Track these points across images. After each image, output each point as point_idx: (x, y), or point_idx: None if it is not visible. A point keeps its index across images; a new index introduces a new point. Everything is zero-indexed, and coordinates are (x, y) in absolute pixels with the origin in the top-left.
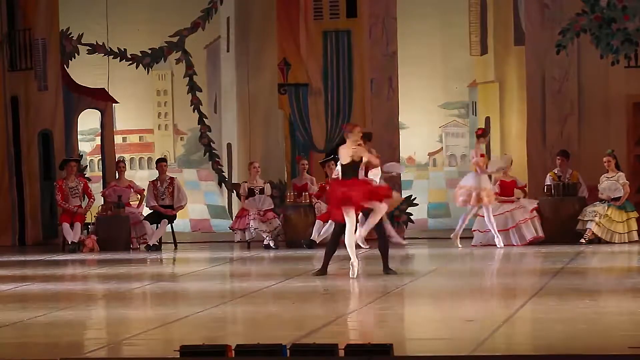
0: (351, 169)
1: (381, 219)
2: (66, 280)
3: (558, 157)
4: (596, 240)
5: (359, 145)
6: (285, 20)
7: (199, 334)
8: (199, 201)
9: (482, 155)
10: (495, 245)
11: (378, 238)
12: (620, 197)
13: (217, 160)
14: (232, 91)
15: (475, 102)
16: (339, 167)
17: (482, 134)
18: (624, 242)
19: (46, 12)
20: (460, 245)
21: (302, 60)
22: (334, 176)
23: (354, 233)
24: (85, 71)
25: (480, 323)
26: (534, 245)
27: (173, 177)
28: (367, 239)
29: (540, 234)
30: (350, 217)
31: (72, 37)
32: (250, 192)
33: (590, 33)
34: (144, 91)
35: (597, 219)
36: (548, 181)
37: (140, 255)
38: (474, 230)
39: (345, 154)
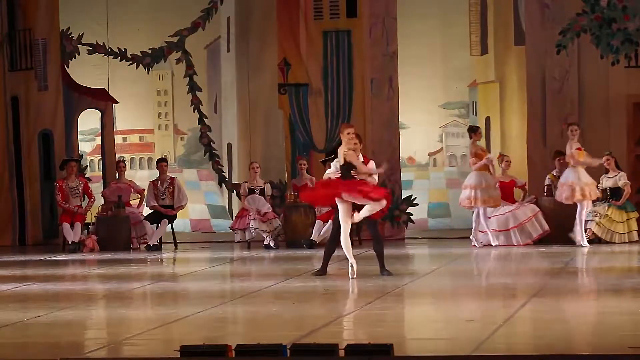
0: (347, 169)
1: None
2: (66, 280)
3: (558, 159)
4: (596, 240)
5: (355, 144)
6: (285, 20)
7: (199, 334)
8: (199, 201)
9: (579, 149)
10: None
11: (373, 239)
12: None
13: (217, 160)
14: (232, 91)
15: (476, 102)
16: (331, 169)
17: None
18: (624, 242)
19: (46, 12)
20: (586, 245)
21: (302, 60)
22: (325, 176)
23: (348, 233)
24: (86, 71)
25: (480, 323)
26: (534, 245)
27: (173, 177)
28: (364, 239)
29: (546, 227)
30: (345, 218)
31: (73, 37)
32: (251, 193)
33: (590, 33)
34: (144, 91)
35: (597, 219)
36: (547, 182)
37: (140, 255)
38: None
39: (340, 155)
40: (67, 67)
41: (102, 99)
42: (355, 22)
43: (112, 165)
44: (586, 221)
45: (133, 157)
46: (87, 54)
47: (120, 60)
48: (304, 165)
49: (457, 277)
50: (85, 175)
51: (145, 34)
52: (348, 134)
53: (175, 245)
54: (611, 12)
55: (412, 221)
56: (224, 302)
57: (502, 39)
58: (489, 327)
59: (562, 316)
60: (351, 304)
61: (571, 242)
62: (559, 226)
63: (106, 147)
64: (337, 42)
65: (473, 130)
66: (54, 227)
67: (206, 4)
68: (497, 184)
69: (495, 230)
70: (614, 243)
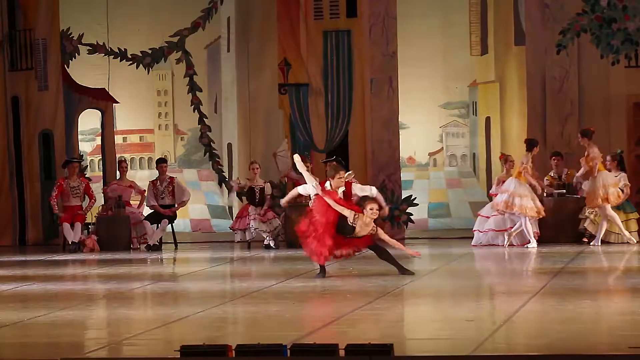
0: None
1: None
2: (67, 280)
3: (553, 158)
4: (594, 237)
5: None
6: (285, 20)
7: (200, 334)
8: (200, 201)
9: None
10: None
11: (377, 253)
12: None
13: (218, 160)
14: (233, 91)
15: (476, 102)
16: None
17: None
18: (624, 243)
19: (47, 12)
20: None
21: (303, 60)
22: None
23: None
24: (86, 71)
25: (480, 323)
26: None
27: (173, 177)
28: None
29: (536, 229)
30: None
31: (73, 37)
32: (251, 191)
33: (590, 33)
34: (144, 91)
35: (592, 216)
36: (546, 182)
37: (140, 255)
38: (474, 230)
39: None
40: (68, 67)
41: (102, 99)
42: (355, 22)
43: (112, 165)
44: (584, 219)
45: (133, 157)
46: (87, 54)
47: (120, 60)
48: (308, 166)
49: (457, 277)
50: (86, 175)
51: (145, 34)
52: (339, 178)
53: (176, 245)
54: (611, 12)
55: (412, 221)
56: (224, 302)
57: (502, 39)
58: (489, 327)
59: (562, 316)
60: (351, 304)
61: (571, 242)
62: (558, 226)
63: (106, 147)
64: (337, 42)
65: (534, 145)
66: (54, 227)
67: (206, 4)
68: (535, 197)
69: (494, 230)
70: (613, 243)
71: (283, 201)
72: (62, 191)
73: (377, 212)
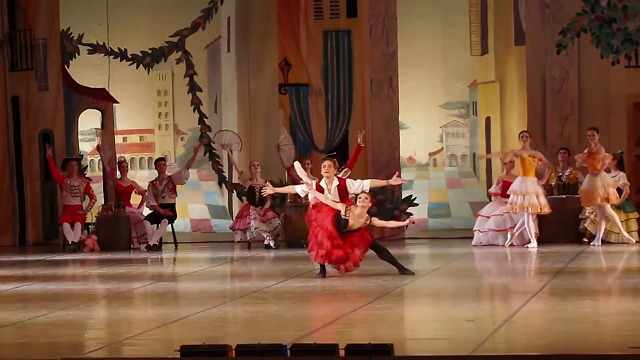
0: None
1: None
2: (67, 280)
3: (561, 152)
4: (594, 237)
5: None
6: (285, 20)
7: (200, 334)
8: (200, 201)
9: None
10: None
11: (378, 253)
12: None
13: (218, 160)
14: (233, 91)
15: (476, 102)
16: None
17: None
18: (623, 243)
19: (47, 12)
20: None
21: (303, 60)
22: (312, 203)
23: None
24: (86, 71)
25: (480, 323)
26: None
27: (170, 175)
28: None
29: (535, 230)
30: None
31: (73, 37)
32: (251, 191)
33: (590, 33)
34: (144, 91)
35: (592, 216)
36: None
37: (140, 255)
38: (475, 230)
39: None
40: (68, 67)
41: (102, 99)
42: (355, 22)
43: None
44: (584, 219)
45: (133, 157)
46: (88, 54)
47: (121, 60)
48: (308, 164)
49: (457, 277)
50: (86, 175)
51: (145, 34)
52: (324, 166)
53: (176, 245)
54: (611, 12)
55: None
56: (224, 302)
57: (502, 39)
58: (489, 327)
59: (562, 316)
60: (351, 304)
61: (571, 242)
62: (558, 226)
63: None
64: (337, 42)
65: (519, 136)
66: (54, 227)
67: (206, 4)
68: (541, 192)
69: (494, 230)
70: (613, 243)
71: (272, 188)
72: (61, 184)
73: (367, 199)
